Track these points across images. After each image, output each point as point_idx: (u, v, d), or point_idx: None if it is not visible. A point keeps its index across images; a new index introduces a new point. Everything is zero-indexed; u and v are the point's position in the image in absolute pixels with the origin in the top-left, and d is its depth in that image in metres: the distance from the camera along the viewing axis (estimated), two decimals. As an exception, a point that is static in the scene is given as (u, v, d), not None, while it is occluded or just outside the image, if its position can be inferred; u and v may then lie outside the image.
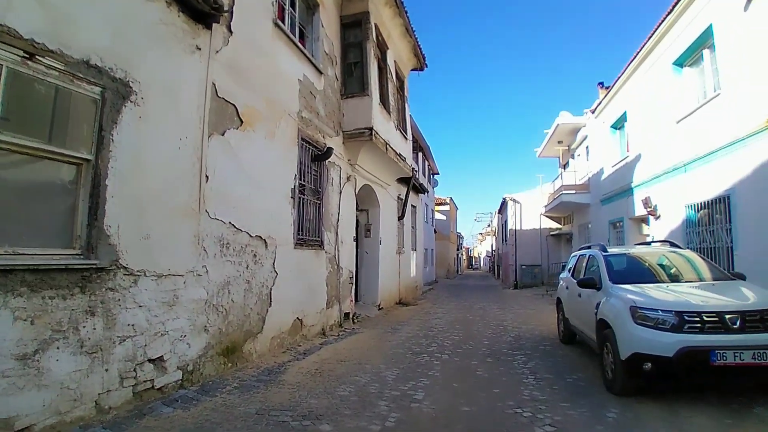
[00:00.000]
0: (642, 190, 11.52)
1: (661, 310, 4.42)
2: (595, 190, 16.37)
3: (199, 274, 5.01)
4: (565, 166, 22.15)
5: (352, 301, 10.08)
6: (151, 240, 4.27)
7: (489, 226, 57.96)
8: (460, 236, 56.34)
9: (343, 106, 9.66)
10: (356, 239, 10.74)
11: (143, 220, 4.20)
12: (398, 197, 14.51)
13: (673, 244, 6.95)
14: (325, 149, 8.24)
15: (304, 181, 7.77)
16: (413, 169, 14.60)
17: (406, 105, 13.97)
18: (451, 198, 38.98)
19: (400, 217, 14.47)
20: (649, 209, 10.63)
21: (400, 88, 13.48)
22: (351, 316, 9.92)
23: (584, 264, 7.04)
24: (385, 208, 12.82)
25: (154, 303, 4.30)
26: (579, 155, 18.91)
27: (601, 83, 16.86)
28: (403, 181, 14.75)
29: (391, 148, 11.00)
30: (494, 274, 43.15)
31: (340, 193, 9.27)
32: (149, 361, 4.22)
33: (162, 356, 4.38)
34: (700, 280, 5.62)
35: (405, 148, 13.31)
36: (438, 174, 32.70)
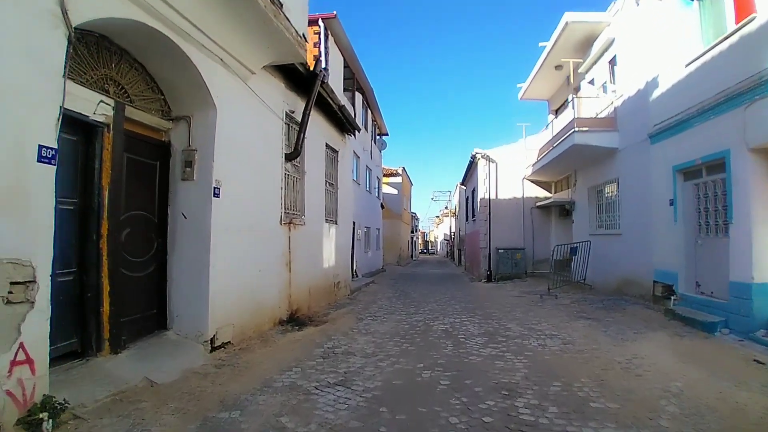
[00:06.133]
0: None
1: None
2: (630, 123, 9.89)
3: None
4: (558, 111, 15.72)
5: None
6: None
7: (446, 207, 51.89)
8: (414, 217, 49.88)
9: None
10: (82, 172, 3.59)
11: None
12: (287, 114, 7.47)
13: None
14: None
15: None
16: (320, 61, 7.59)
17: None
18: (403, 168, 32.16)
19: (292, 155, 7.45)
20: None
21: None
22: None
23: None
24: (234, 117, 5.78)
25: None
26: (592, 80, 12.41)
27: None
28: (300, 84, 7.71)
29: None
30: (453, 260, 37.11)
31: None
32: None
33: None
34: None
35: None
36: (387, 135, 25.84)
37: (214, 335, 5.17)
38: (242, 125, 5.94)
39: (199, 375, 4.43)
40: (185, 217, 5.27)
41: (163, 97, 5.34)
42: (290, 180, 7.64)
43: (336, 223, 10.27)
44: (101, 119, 4.27)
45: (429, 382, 4.29)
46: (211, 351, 5.09)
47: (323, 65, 11.72)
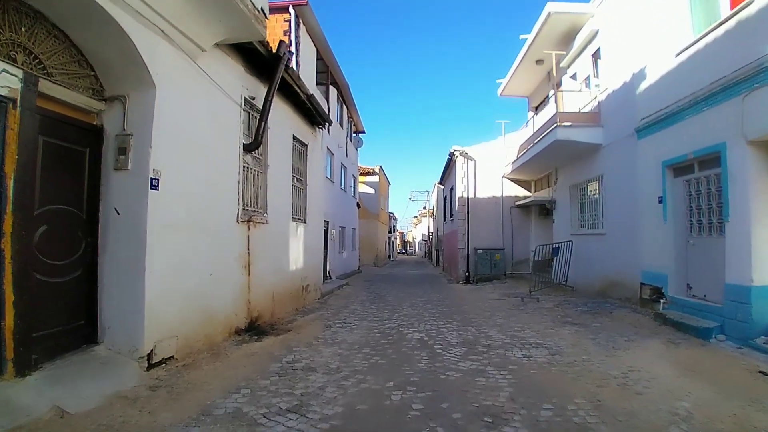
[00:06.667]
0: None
1: None
2: (615, 118, 9.45)
3: None
4: (538, 108, 15.32)
5: None
6: None
7: (425, 208, 51.49)
8: (392, 217, 49.30)
9: None
10: None
11: None
12: (246, 100, 6.75)
13: None
14: None
15: None
16: (284, 43, 6.90)
17: None
18: (381, 167, 31.53)
19: (252, 146, 6.72)
20: None
21: None
22: None
23: None
24: (180, 99, 5.04)
25: None
26: (574, 75, 11.97)
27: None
28: (262, 68, 7.00)
29: None
30: (431, 260, 36.70)
31: None
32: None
33: None
34: None
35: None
36: (364, 132, 25.18)
37: (152, 350, 4.43)
38: (190, 109, 5.21)
39: (126, 400, 3.69)
40: (118, 213, 4.53)
41: (93, 73, 4.58)
42: (250, 173, 6.91)
43: (305, 222, 9.55)
44: (3, 92, 3.52)
45: (399, 407, 3.64)
46: (147, 369, 4.35)
47: (290, 49, 11.03)
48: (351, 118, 22.07)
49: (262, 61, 6.79)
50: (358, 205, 24.48)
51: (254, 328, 6.54)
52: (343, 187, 19.53)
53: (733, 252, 5.86)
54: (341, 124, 19.05)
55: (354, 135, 23.54)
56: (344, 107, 19.69)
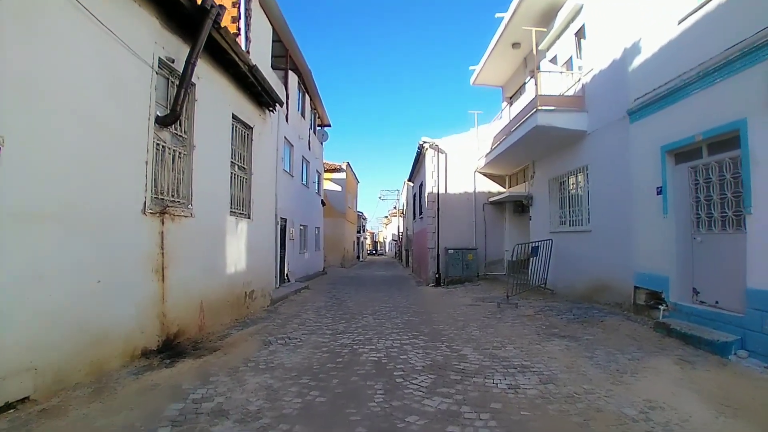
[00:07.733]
0: None
1: None
2: (602, 102, 8.42)
3: None
4: (512, 98, 14.32)
5: None
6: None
7: (395, 207, 50.48)
8: (361, 216, 47.97)
9: None
10: None
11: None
12: (162, 62, 5.33)
13: None
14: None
15: None
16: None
17: None
18: (348, 164, 30.07)
19: (168, 119, 5.30)
20: None
21: None
22: None
23: None
24: (42, 41, 3.61)
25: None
26: (554, 58, 10.93)
27: None
28: (188, 26, 5.61)
29: None
30: (401, 261, 35.61)
31: None
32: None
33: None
34: None
35: None
36: (329, 126, 23.78)
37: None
38: (65, 59, 3.80)
39: None
40: (-67, 196, 3.11)
41: None
42: (167, 154, 5.51)
43: (249, 218, 8.15)
44: None
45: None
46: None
47: (239, 24, 9.63)
48: (315, 109, 20.67)
49: (184, 14, 5.43)
50: (323, 203, 23.09)
51: (170, 348, 5.17)
52: (305, 182, 18.11)
53: (758, 249, 4.82)
54: (303, 115, 17.64)
55: (318, 128, 22.12)
56: (307, 96, 18.29)
